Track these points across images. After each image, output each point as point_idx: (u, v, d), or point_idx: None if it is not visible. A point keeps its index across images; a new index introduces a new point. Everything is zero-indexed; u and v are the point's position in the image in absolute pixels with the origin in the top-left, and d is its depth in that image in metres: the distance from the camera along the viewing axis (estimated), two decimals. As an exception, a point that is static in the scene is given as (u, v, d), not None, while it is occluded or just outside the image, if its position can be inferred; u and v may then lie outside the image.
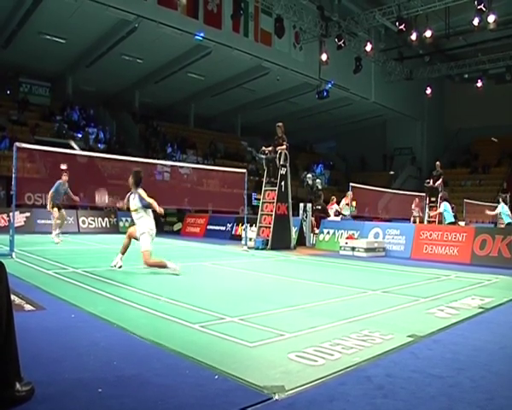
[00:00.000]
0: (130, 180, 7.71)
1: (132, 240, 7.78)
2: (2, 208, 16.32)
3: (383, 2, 23.08)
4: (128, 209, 7.83)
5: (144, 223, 7.60)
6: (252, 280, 7.44)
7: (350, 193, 16.23)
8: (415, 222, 17.97)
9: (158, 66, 25.17)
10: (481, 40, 26.00)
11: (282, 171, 12.99)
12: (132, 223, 8.19)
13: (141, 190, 7.63)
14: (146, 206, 7.59)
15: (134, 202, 7.65)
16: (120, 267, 7.65)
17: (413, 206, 19.10)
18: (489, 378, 3.03)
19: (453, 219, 14.77)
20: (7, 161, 17.31)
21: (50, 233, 13.87)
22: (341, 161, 39.87)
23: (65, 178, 13.11)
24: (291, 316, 4.69)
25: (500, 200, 15.21)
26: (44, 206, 13.67)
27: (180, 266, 7.47)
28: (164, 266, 7.44)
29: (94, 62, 24.41)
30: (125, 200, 7.88)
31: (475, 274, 8.46)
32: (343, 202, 16.85)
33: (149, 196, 7.57)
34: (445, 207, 14.58)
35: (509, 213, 14.93)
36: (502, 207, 14.84)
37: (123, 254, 7.77)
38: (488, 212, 16.29)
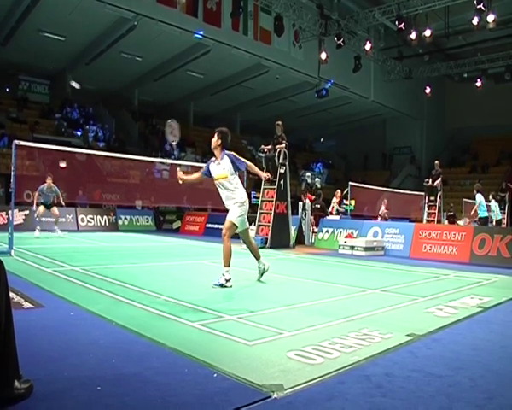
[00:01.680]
0: (217, 142, 6.38)
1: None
2: (2, 206, 16.32)
3: (383, 1, 23.05)
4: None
5: (237, 195, 6.38)
6: (250, 279, 7.43)
7: (339, 191, 16.36)
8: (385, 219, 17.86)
9: (157, 64, 25.16)
10: (481, 40, 25.98)
11: (282, 169, 12.99)
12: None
13: (229, 153, 6.40)
14: (244, 169, 6.43)
15: (222, 166, 6.34)
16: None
17: (383, 207, 18.83)
18: (488, 378, 3.03)
19: (486, 214, 14.54)
20: (6, 159, 17.29)
21: (50, 231, 13.98)
22: (341, 159, 39.88)
23: (48, 181, 13.64)
24: (290, 315, 4.69)
25: (475, 191, 15.02)
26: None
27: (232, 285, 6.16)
28: (226, 262, 6.19)
29: (93, 60, 24.40)
30: (201, 172, 6.67)
31: (474, 273, 8.47)
32: (334, 200, 16.81)
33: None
34: (480, 200, 14.44)
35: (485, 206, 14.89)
36: (480, 197, 14.72)
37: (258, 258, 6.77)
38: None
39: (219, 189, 6.44)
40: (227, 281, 6.08)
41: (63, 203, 14.25)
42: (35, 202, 13.66)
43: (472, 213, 15.11)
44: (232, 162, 6.30)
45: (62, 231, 14.22)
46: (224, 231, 6.27)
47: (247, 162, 6.42)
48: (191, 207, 21.38)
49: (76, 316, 4.35)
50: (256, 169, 6.58)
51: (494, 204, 15.73)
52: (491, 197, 15.94)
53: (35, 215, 13.80)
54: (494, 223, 16.71)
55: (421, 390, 2.77)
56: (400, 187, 25.77)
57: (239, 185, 6.41)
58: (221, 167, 6.32)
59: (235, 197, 6.33)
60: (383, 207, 18.59)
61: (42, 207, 13.63)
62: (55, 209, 13.91)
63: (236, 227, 6.35)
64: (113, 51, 23.25)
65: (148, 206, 20.97)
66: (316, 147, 40.66)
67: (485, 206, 14.62)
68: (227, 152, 6.37)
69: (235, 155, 6.37)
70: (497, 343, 3.87)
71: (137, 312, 4.58)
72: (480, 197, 14.57)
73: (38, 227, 13.54)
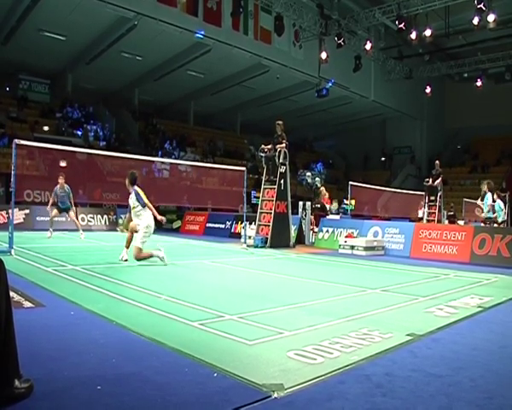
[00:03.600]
0: (126, 181, 8.34)
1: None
2: (2, 205, 16.29)
3: (383, 0, 23.05)
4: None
5: (142, 220, 8.17)
6: (251, 278, 7.44)
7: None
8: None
9: (157, 63, 25.15)
10: (481, 39, 25.97)
11: (282, 169, 12.98)
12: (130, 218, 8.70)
13: (137, 188, 8.25)
14: (143, 205, 8.17)
15: (132, 200, 8.29)
16: (126, 260, 8.21)
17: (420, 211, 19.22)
18: (488, 377, 3.03)
19: (491, 215, 14.40)
20: (6, 158, 17.27)
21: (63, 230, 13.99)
22: (341, 159, 39.87)
23: (60, 181, 13.57)
24: (290, 314, 4.69)
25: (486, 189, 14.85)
26: (44, 203, 13.78)
27: (164, 253, 8.14)
28: (151, 256, 8.16)
29: (93, 60, 24.39)
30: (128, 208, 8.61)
31: (474, 273, 8.47)
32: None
33: (149, 194, 7.77)
34: (486, 200, 14.30)
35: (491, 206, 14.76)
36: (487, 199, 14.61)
37: (127, 247, 8.31)
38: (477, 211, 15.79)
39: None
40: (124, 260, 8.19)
41: (72, 205, 13.94)
42: (50, 202, 13.66)
43: (494, 215, 15.03)
44: (137, 198, 8.17)
45: (63, 230, 14.19)
46: (134, 256, 8.05)
47: (144, 200, 8.18)
48: (191, 207, 21.38)
49: (76, 315, 4.35)
50: (152, 209, 8.32)
51: (498, 204, 15.60)
52: (495, 196, 15.80)
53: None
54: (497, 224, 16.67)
55: (421, 390, 2.77)
56: (401, 187, 25.76)
57: (143, 214, 8.19)
58: (131, 201, 8.30)
59: (138, 225, 8.19)
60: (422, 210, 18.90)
61: (55, 211, 13.50)
62: (71, 213, 13.79)
63: (140, 249, 8.05)
64: (114, 51, 23.24)
65: (148, 205, 20.92)
66: (316, 146, 40.64)
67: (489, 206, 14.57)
68: (135, 188, 8.23)
69: (139, 192, 8.18)
70: (497, 343, 3.87)
71: (137, 311, 4.58)
72: (487, 198, 14.50)
73: (51, 229, 13.34)
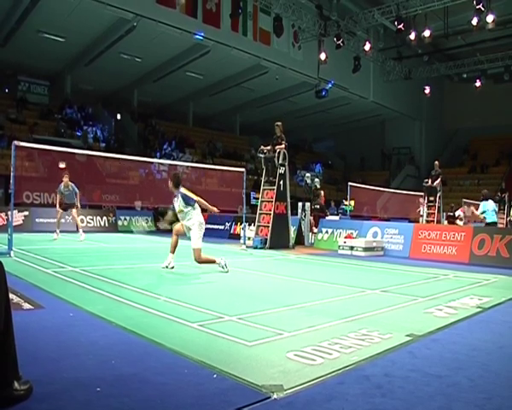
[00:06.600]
0: (170, 184, 7.75)
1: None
2: (1, 207, 16.29)
3: (382, 1, 23.07)
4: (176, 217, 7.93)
5: (193, 219, 7.59)
6: (250, 279, 7.44)
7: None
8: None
9: (156, 65, 25.17)
10: (480, 40, 25.99)
11: (281, 170, 12.99)
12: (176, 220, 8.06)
13: (183, 190, 7.67)
14: (194, 205, 7.60)
15: (178, 203, 7.66)
16: (173, 268, 7.67)
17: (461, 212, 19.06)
18: (487, 378, 3.03)
19: (495, 219, 14.25)
20: (5, 160, 17.27)
21: (51, 232, 13.93)
22: (340, 160, 39.88)
23: (65, 179, 13.35)
24: (289, 315, 4.69)
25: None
26: (43, 204, 13.74)
27: (227, 262, 7.63)
28: (213, 262, 7.64)
29: (92, 61, 24.40)
30: (172, 207, 7.90)
31: (474, 274, 8.47)
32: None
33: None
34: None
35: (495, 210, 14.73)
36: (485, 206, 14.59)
37: (173, 252, 7.76)
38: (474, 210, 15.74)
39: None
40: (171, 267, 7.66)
41: (78, 205, 13.70)
42: (57, 203, 13.37)
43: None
44: (185, 199, 7.59)
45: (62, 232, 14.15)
46: (195, 258, 7.53)
47: (194, 198, 7.67)
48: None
49: (75, 317, 4.35)
50: (204, 202, 7.83)
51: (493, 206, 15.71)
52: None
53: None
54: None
55: (421, 390, 2.77)
56: (400, 187, 25.77)
57: (192, 212, 7.61)
58: (177, 204, 7.66)
59: (190, 225, 7.62)
60: (462, 213, 18.69)
61: (60, 212, 13.32)
62: (73, 212, 13.49)
63: (201, 249, 7.58)
64: (113, 52, 23.25)
65: (147, 206, 20.96)
66: (315, 147, 40.65)
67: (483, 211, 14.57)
68: (181, 190, 7.62)
69: (186, 193, 7.63)
70: (496, 344, 3.87)
71: (137, 313, 4.58)
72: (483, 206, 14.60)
73: (57, 230, 13.26)
